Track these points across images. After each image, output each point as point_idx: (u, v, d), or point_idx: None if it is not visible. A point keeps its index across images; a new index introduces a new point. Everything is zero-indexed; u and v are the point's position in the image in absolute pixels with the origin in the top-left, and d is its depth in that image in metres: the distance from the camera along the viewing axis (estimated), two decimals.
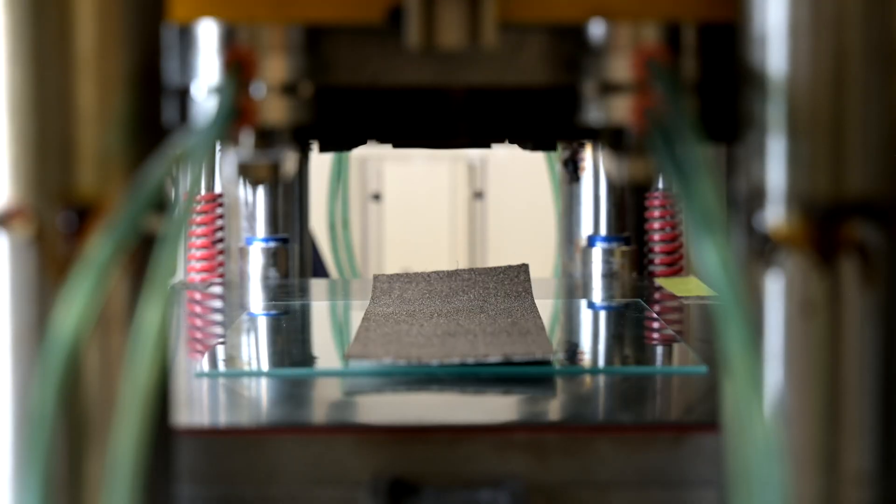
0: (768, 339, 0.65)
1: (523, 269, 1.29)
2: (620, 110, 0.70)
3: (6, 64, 0.62)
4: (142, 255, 0.63)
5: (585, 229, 1.54)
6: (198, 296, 1.39)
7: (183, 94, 0.73)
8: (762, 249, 0.65)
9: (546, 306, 1.25)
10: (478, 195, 2.97)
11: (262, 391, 0.90)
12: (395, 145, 0.80)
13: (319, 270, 2.05)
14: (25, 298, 0.62)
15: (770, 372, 0.65)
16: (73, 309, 0.57)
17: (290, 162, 0.76)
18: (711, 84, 0.73)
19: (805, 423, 0.64)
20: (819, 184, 0.64)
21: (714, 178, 0.60)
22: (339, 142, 0.79)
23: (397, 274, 1.32)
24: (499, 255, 2.84)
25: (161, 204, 0.61)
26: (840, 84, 0.63)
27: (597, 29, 0.71)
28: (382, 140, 0.78)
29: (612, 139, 0.72)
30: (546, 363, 0.93)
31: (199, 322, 1.27)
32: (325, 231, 2.13)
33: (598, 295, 1.40)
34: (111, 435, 0.60)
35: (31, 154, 0.62)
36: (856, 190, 0.64)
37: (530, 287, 1.25)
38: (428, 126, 0.78)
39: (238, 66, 0.69)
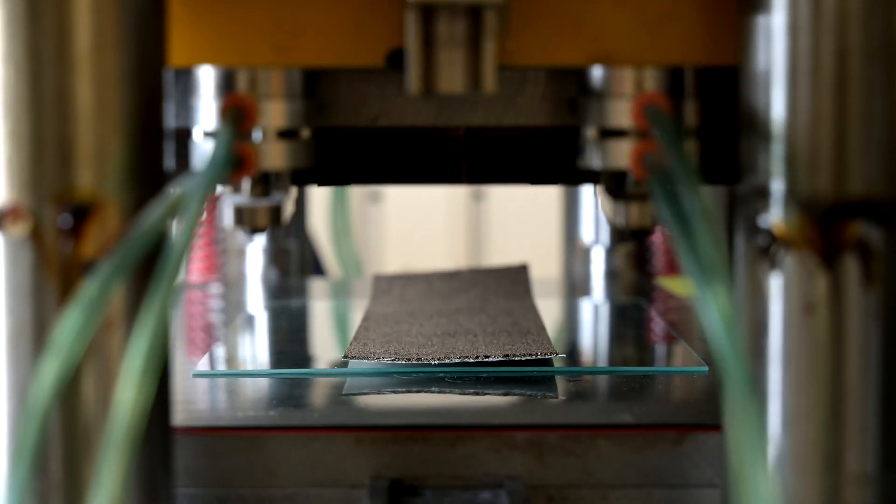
0: (770, 340, 0.64)
1: (523, 269, 1.29)
2: (620, 156, 0.70)
3: (2, 62, 0.61)
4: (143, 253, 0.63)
5: (587, 229, 1.53)
6: (198, 295, 1.39)
7: (182, 137, 0.73)
8: (764, 249, 0.64)
9: (547, 306, 1.25)
10: (478, 195, 2.97)
11: (261, 391, 0.90)
12: (395, 184, 0.80)
13: (317, 270, 2.05)
14: (21, 298, 0.62)
15: (772, 373, 0.65)
16: (61, 346, 0.57)
17: (289, 205, 0.75)
18: (712, 127, 0.73)
19: (807, 423, 0.64)
20: (821, 184, 0.64)
21: (714, 227, 0.59)
22: (338, 180, 0.79)
23: (397, 274, 1.32)
24: (499, 255, 2.84)
25: (156, 248, 0.60)
26: (842, 83, 0.63)
27: (597, 74, 0.71)
28: (381, 181, 0.79)
29: (612, 184, 0.72)
30: (546, 363, 0.93)
31: (198, 322, 1.26)
32: (325, 231, 2.13)
33: (599, 294, 1.40)
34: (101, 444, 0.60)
35: (27, 152, 0.62)
36: (857, 190, 0.63)
37: (530, 287, 1.25)
38: (428, 166, 0.78)
39: (237, 114, 0.68)
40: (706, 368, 0.92)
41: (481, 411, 0.84)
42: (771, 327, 0.64)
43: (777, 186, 0.64)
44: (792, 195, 0.64)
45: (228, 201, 0.72)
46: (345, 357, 0.94)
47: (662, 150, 0.65)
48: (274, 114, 0.71)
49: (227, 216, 0.73)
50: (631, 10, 0.69)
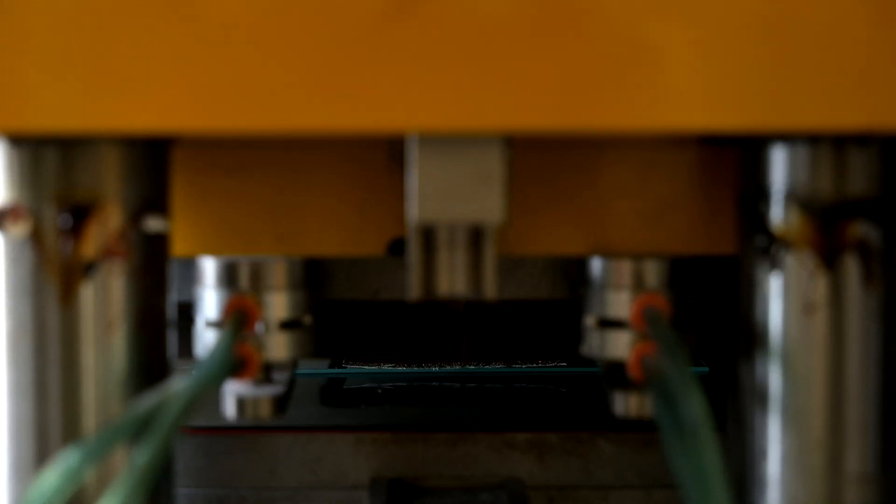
0: (770, 340, 0.64)
1: None
2: (619, 347, 0.69)
3: None
4: (143, 253, 0.63)
5: None
6: None
7: (184, 310, 0.73)
8: (764, 249, 0.64)
9: None
10: None
11: None
12: (395, 364, 0.81)
13: None
14: (21, 297, 0.62)
15: (772, 373, 0.65)
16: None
17: (291, 390, 0.74)
18: (711, 314, 0.74)
19: (807, 423, 0.64)
20: (821, 184, 0.63)
21: (712, 438, 0.58)
22: (338, 354, 0.79)
23: None
24: None
25: (138, 434, 0.60)
26: None
27: (597, 265, 0.71)
28: (380, 360, 0.79)
29: (612, 373, 0.71)
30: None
31: None
32: None
33: None
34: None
35: (28, 152, 0.62)
36: (857, 189, 0.63)
37: None
38: (428, 341, 0.79)
39: (239, 317, 0.68)
40: (706, 368, 0.92)
41: (481, 411, 0.84)
42: (771, 327, 0.64)
43: (777, 186, 0.64)
44: (792, 195, 0.64)
45: (229, 390, 0.71)
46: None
47: (660, 353, 0.65)
48: (277, 306, 0.70)
49: (229, 406, 0.71)
50: (631, 201, 0.69)
